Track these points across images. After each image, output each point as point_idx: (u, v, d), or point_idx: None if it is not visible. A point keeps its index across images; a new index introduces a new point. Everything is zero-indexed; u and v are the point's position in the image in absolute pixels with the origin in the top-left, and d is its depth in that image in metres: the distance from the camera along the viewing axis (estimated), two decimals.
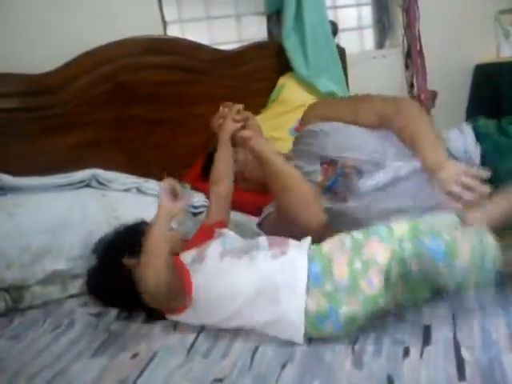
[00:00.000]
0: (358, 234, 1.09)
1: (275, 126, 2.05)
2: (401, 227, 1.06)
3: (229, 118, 1.41)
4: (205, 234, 1.29)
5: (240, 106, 1.43)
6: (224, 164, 1.41)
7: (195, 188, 1.88)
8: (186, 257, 1.21)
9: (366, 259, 1.03)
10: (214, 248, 1.20)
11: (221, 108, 1.45)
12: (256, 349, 1.07)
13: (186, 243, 1.29)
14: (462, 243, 1.02)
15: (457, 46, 2.78)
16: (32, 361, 1.15)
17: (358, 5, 2.75)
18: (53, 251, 1.48)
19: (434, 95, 2.76)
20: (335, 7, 2.54)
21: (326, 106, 1.62)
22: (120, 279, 1.20)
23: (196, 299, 1.14)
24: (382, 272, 1.01)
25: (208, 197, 1.48)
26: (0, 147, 1.78)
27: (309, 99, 2.14)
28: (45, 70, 1.84)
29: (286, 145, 1.75)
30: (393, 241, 1.04)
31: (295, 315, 1.04)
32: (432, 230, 1.05)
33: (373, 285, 1.01)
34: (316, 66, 2.13)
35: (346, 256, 1.06)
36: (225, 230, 1.29)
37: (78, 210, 1.56)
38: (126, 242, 1.25)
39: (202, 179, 1.69)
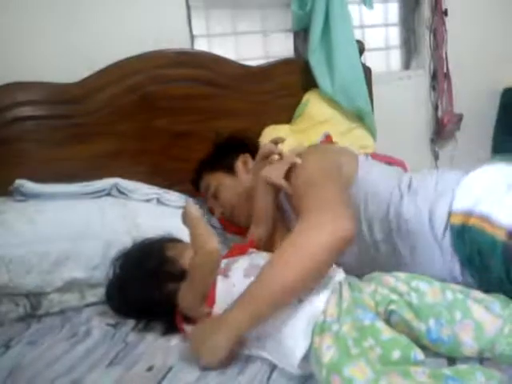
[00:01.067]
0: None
1: (301, 140, 2.04)
2: None
3: (281, 166, 1.35)
4: (237, 251, 1.30)
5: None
6: (266, 205, 1.39)
7: None
8: None
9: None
10: (240, 264, 1.20)
11: (280, 145, 1.46)
12: (274, 366, 1.05)
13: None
14: None
15: (484, 69, 2.77)
16: (47, 368, 1.14)
17: (386, 25, 2.75)
18: (72, 259, 1.48)
19: (459, 118, 2.74)
20: (362, 27, 2.54)
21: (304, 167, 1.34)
22: (150, 291, 1.23)
23: (214, 313, 1.14)
24: None
25: None
26: (25, 153, 1.80)
27: (333, 115, 2.17)
28: (72, 80, 1.86)
29: None
30: None
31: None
32: None
33: None
34: (341, 84, 2.12)
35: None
36: (255, 250, 1.30)
37: (98, 218, 1.56)
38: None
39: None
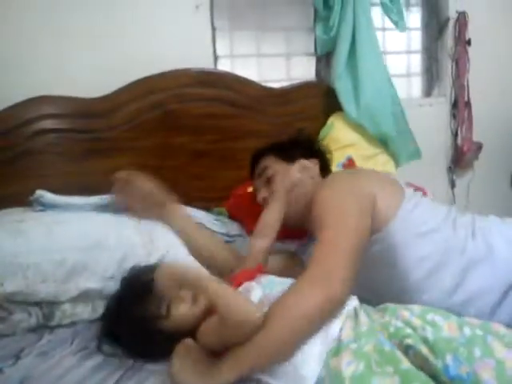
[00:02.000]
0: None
1: None
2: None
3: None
4: (245, 277, 1.26)
5: None
6: (276, 221, 1.38)
7: (232, 216, 1.89)
8: None
9: None
10: (254, 294, 1.17)
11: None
12: None
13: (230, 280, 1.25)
14: None
15: (506, 99, 2.76)
16: (58, 381, 1.14)
17: (408, 52, 2.76)
18: (87, 269, 1.48)
19: (478, 147, 2.72)
20: (385, 53, 2.55)
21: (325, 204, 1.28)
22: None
23: None
24: None
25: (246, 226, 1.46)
26: (47, 165, 1.83)
27: (357, 139, 2.19)
28: (97, 95, 1.90)
29: None
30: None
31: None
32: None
33: None
34: (367, 109, 2.13)
35: None
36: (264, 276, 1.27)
37: (114, 231, 1.56)
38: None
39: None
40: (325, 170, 1.59)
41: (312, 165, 1.56)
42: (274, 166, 1.56)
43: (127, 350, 1.21)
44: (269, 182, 1.55)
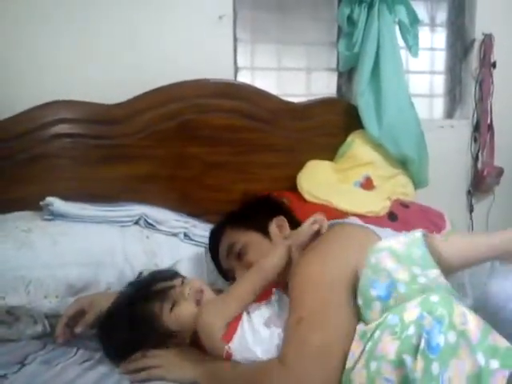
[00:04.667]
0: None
1: (343, 179, 2.06)
2: (411, 314, 0.96)
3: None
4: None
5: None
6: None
7: None
8: None
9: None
10: (263, 312, 1.17)
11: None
12: None
13: None
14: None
15: None
16: None
17: (431, 72, 2.73)
18: (89, 287, 1.48)
19: (499, 172, 2.67)
20: (408, 72, 2.52)
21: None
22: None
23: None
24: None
25: None
26: (61, 170, 1.82)
27: (377, 158, 2.15)
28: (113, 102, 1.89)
29: (350, 197, 1.97)
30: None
31: None
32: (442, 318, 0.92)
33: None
34: (389, 129, 2.09)
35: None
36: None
37: (119, 249, 1.57)
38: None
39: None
40: (295, 225, 1.46)
41: (286, 224, 1.47)
42: (241, 237, 1.43)
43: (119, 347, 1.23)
44: (240, 256, 1.42)
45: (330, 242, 1.25)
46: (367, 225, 1.31)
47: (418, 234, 1.11)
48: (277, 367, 1.04)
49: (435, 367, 0.87)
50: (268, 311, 1.18)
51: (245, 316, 1.16)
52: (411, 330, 0.92)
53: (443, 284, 1.04)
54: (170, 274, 1.31)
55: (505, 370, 0.83)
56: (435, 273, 1.04)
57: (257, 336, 1.12)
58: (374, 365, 0.95)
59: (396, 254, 1.08)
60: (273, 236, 1.44)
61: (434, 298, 0.95)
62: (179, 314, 1.21)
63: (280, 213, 1.50)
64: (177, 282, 1.27)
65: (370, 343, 0.98)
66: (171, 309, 1.21)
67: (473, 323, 0.90)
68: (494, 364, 0.84)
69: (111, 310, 1.28)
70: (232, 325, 1.14)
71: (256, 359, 1.10)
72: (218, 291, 1.42)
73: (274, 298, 1.23)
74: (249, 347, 1.11)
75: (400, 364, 0.92)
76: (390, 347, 0.94)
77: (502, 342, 0.87)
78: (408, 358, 0.90)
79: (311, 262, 1.19)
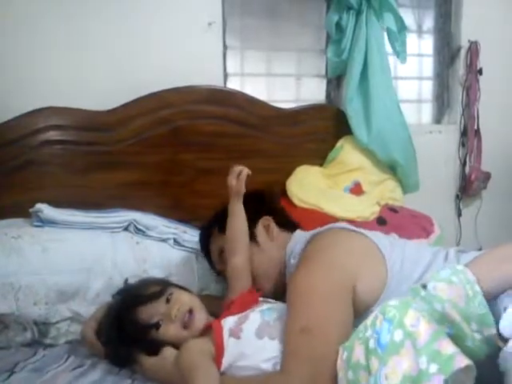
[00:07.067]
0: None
1: (332, 184, 2.07)
2: (370, 317, 0.96)
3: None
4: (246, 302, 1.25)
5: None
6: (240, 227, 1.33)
7: None
8: (227, 322, 1.18)
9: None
10: (251, 322, 1.16)
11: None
12: None
13: (227, 309, 1.24)
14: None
15: None
16: None
17: (419, 78, 2.75)
18: (79, 294, 1.49)
19: (486, 176, 2.70)
20: (396, 78, 2.54)
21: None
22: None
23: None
24: None
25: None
26: (51, 177, 1.81)
27: (366, 164, 2.16)
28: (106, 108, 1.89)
29: (340, 202, 1.97)
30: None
31: None
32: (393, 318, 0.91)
33: None
34: (377, 134, 2.10)
35: None
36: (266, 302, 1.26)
37: (109, 255, 1.57)
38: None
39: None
40: (285, 224, 1.48)
41: (272, 223, 1.46)
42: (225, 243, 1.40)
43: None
44: (221, 255, 1.45)
45: (328, 249, 1.26)
46: (361, 230, 1.32)
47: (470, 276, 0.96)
48: (283, 380, 1.04)
49: (375, 363, 0.88)
50: (257, 320, 1.16)
51: (232, 342, 1.14)
52: (368, 332, 0.93)
53: None
54: (157, 290, 1.25)
55: (441, 375, 0.81)
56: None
57: (245, 354, 1.11)
58: (350, 374, 0.95)
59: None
60: (259, 238, 1.43)
61: (393, 302, 0.94)
62: (164, 334, 1.20)
63: (266, 211, 1.49)
64: (161, 300, 1.23)
65: (345, 352, 0.98)
66: (157, 330, 1.20)
67: (424, 327, 0.88)
68: (433, 368, 0.83)
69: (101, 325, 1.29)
70: (217, 346, 1.13)
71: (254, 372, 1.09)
72: (210, 297, 1.43)
73: (261, 305, 1.22)
74: (239, 365, 1.11)
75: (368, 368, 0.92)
76: (359, 352, 0.93)
77: (448, 350, 0.85)
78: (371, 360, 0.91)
79: (312, 270, 1.19)
